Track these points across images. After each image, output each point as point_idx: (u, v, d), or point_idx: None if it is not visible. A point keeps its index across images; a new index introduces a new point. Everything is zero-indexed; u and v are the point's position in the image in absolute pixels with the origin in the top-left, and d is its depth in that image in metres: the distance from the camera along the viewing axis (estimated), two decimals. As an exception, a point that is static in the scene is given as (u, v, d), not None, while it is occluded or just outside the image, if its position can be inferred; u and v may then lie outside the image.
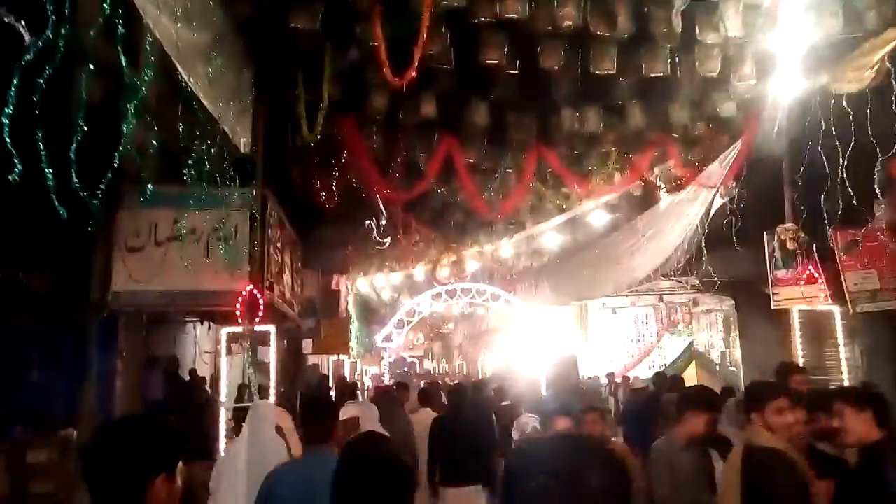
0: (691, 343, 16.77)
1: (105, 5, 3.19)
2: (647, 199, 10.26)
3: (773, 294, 7.64)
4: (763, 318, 14.66)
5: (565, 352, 13.42)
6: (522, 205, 7.93)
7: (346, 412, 4.47)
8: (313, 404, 3.83)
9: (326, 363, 19.03)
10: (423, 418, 6.60)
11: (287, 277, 8.63)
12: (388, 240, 9.77)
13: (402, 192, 7.44)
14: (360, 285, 19.00)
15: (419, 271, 15.93)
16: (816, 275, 6.96)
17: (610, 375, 15.73)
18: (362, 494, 2.22)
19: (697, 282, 14.69)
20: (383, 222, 9.34)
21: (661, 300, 15.69)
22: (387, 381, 16.44)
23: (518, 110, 6.74)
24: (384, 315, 20.58)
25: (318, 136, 6.02)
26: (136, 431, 1.79)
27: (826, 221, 6.84)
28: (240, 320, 6.34)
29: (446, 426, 5.97)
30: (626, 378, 16.24)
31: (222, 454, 5.40)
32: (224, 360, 6.72)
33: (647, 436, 5.12)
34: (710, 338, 16.72)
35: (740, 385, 14.49)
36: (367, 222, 9.22)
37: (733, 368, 15.95)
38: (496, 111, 6.61)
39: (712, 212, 9.16)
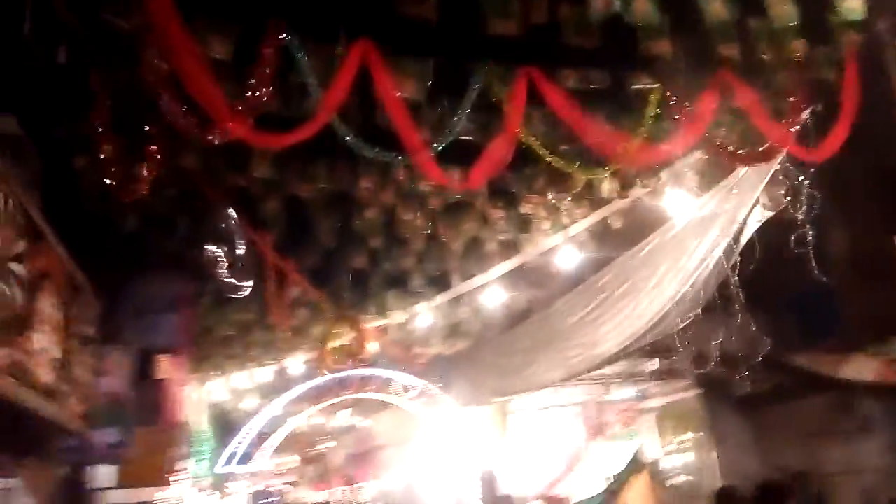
0: (639, 449, 13.49)
1: None
2: (636, 233, 7.21)
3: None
4: (734, 413, 11.85)
5: (485, 466, 9.84)
6: (504, 172, 4.49)
7: None
8: None
9: (162, 500, 13.94)
10: None
11: (45, 340, 4.54)
12: (247, 286, 5.92)
13: (276, 135, 3.82)
14: (214, 392, 14.47)
15: (296, 362, 11.83)
16: None
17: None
18: None
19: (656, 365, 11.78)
20: (240, 251, 5.54)
21: (607, 392, 12.47)
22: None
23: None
24: (248, 432, 15.88)
25: None
26: None
27: None
28: None
29: None
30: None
31: None
32: None
33: None
34: (658, 442, 13.63)
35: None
36: (213, 251, 5.38)
37: (689, 477, 12.83)
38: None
39: (745, 237, 6.23)
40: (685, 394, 12.08)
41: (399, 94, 3.73)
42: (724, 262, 6.25)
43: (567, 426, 15.75)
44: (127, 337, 6.81)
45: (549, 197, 5.78)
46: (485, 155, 4.05)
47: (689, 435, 12.39)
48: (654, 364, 11.08)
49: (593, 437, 15.53)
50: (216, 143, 3.51)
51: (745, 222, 6.03)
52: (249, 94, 3.41)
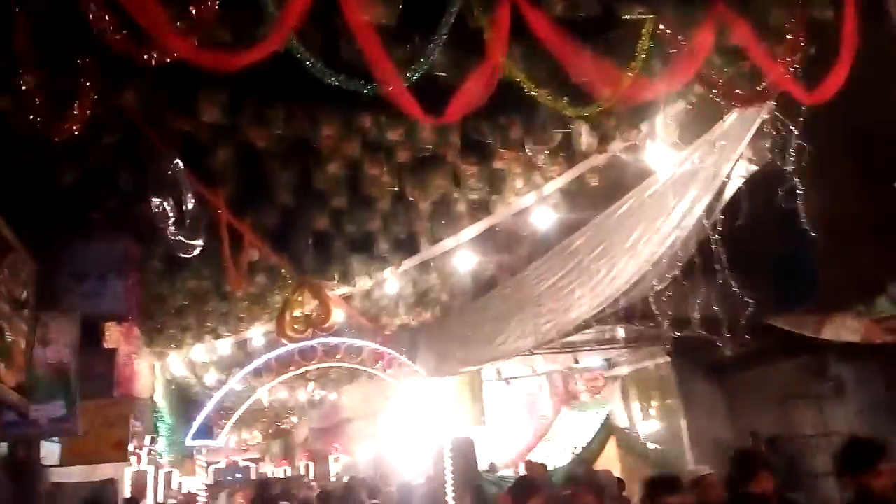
0: (608, 417, 13.43)
1: None
2: (611, 193, 6.93)
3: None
4: (704, 379, 11.80)
5: (460, 434, 9.58)
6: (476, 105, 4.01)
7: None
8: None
9: (123, 478, 13.45)
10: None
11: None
12: (197, 244, 5.46)
13: (225, 55, 3.35)
14: (173, 366, 13.96)
15: (257, 334, 11.40)
16: None
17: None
18: None
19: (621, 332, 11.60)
20: (189, 205, 5.06)
21: (576, 361, 12.33)
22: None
23: None
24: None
25: None
26: None
27: None
28: None
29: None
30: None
31: None
32: None
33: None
34: (627, 410, 13.55)
35: (685, 467, 11.28)
36: (158, 204, 4.89)
37: (658, 445, 12.79)
38: None
39: (728, 193, 5.99)
40: (654, 361, 12.00)
41: (367, 17, 3.31)
42: (705, 221, 6.01)
43: (535, 395, 15.67)
44: (69, 303, 6.28)
45: (526, 149, 5.41)
46: (464, 86, 3.65)
47: (659, 402, 12.35)
48: (624, 331, 10.90)
49: (562, 406, 15.47)
50: (155, 63, 3.04)
51: (728, 178, 5.79)
52: (193, 8, 2.95)
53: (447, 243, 7.74)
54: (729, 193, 5.91)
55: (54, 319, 6.17)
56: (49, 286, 6.16)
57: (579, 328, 8.61)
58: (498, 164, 6.02)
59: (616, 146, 5.91)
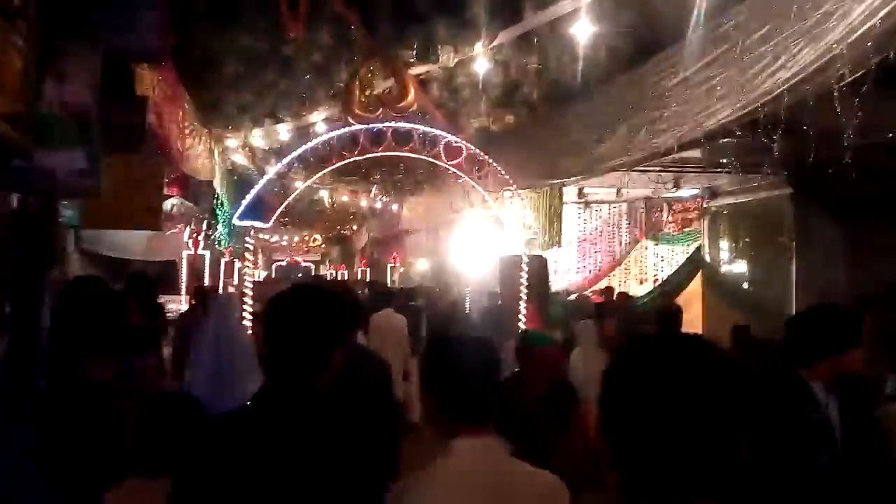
0: (698, 250, 12.10)
1: None
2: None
3: None
4: (829, 218, 10.14)
5: (533, 253, 8.51)
6: None
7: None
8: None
9: (182, 261, 13.21)
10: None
11: None
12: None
13: None
14: (232, 153, 13.13)
15: (320, 118, 10.20)
16: None
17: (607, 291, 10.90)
18: None
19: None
20: None
21: (676, 185, 10.73)
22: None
23: None
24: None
25: None
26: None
27: None
28: None
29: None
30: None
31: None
32: None
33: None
34: (722, 246, 12.12)
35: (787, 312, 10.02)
36: None
37: (754, 288, 11.51)
38: None
39: None
40: (769, 192, 10.30)
41: None
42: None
43: (615, 221, 14.40)
44: (89, 33, 5.01)
45: None
46: None
47: (763, 240, 10.85)
48: (742, 150, 9.02)
49: (642, 237, 14.24)
50: None
51: None
52: None
53: (560, 7, 6.02)
54: None
55: (73, 51, 4.94)
56: (69, 13, 4.87)
57: (711, 137, 6.89)
58: None
59: None
